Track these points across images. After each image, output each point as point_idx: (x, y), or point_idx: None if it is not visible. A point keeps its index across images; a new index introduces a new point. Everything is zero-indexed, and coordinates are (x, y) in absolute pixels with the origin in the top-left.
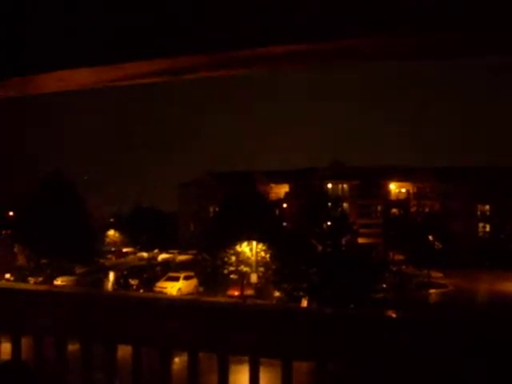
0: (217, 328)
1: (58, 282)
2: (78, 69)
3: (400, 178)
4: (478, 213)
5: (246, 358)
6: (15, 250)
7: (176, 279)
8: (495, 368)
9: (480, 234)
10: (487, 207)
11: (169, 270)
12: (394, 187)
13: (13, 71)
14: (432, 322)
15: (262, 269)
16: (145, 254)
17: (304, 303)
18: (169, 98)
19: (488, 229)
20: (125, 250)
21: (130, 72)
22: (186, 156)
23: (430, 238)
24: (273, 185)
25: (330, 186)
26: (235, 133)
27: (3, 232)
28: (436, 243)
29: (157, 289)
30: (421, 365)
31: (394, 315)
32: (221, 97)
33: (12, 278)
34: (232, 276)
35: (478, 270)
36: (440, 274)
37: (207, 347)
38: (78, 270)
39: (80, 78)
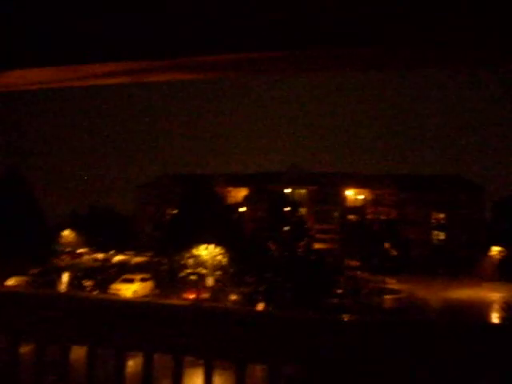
0: (171, 330)
1: (11, 282)
2: (39, 68)
3: (357, 184)
4: (433, 221)
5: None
6: None
7: (131, 281)
8: (440, 366)
9: (434, 242)
10: (442, 215)
11: (124, 272)
12: (351, 194)
13: None
14: (381, 324)
15: (218, 272)
16: (100, 255)
17: (260, 307)
18: (128, 99)
19: (442, 236)
20: (80, 250)
21: (93, 72)
22: (144, 158)
23: (386, 244)
24: (231, 188)
25: (288, 190)
26: (194, 136)
27: None
28: (391, 250)
29: (111, 291)
30: (371, 365)
31: (345, 318)
32: (180, 99)
33: None
34: (188, 279)
35: (432, 276)
36: (394, 281)
37: (162, 349)
38: (32, 271)
39: (42, 77)
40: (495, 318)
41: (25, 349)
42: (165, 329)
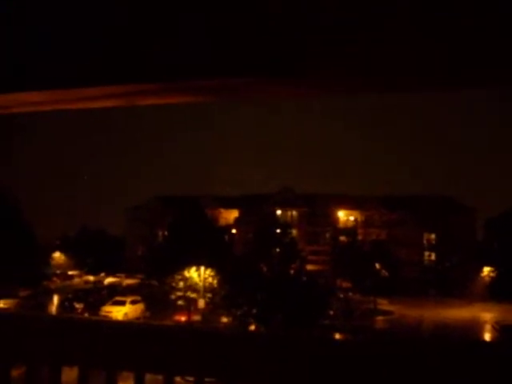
0: (162, 349)
1: (0, 304)
2: (34, 91)
3: (348, 206)
4: (424, 241)
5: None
6: None
7: (122, 303)
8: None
9: (425, 263)
10: (433, 236)
11: (115, 294)
12: (342, 215)
13: None
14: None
15: (209, 294)
16: (91, 278)
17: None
18: (117, 123)
19: (433, 257)
20: (70, 272)
21: (88, 95)
22: (136, 180)
23: (377, 265)
24: (222, 210)
25: (279, 212)
26: (185, 158)
27: None
28: (382, 271)
29: (102, 313)
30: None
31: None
32: (171, 123)
33: None
34: (179, 302)
35: (423, 297)
36: (385, 301)
37: (152, 368)
38: (22, 293)
39: (35, 100)
40: (487, 338)
41: (13, 373)
42: (155, 348)
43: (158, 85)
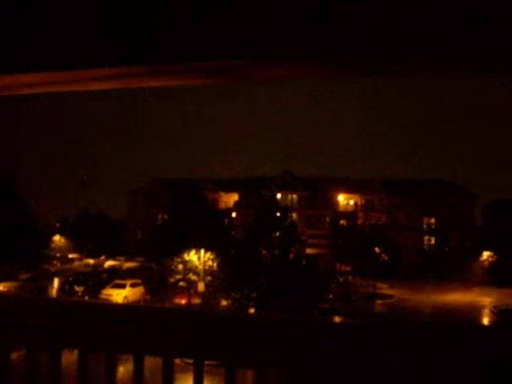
0: (161, 332)
1: (0, 287)
2: (35, 72)
3: (349, 189)
4: (424, 226)
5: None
6: None
7: (122, 286)
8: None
9: (425, 247)
10: (433, 220)
11: (115, 277)
12: (342, 199)
13: None
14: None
15: (209, 278)
16: (91, 261)
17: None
18: (118, 104)
19: (433, 241)
20: (71, 255)
21: (87, 77)
22: (136, 163)
23: (377, 249)
24: (222, 193)
25: (279, 195)
26: (185, 140)
27: None
28: (382, 255)
29: (102, 296)
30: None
31: (335, 320)
32: (171, 104)
33: None
34: (180, 284)
35: (423, 281)
36: (385, 285)
37: (151, 351)
38: (22, 276)
39: (37, 81)
40: (485, 322)
41: (13, 355)
42: (155, 331)
43: (157, 67)
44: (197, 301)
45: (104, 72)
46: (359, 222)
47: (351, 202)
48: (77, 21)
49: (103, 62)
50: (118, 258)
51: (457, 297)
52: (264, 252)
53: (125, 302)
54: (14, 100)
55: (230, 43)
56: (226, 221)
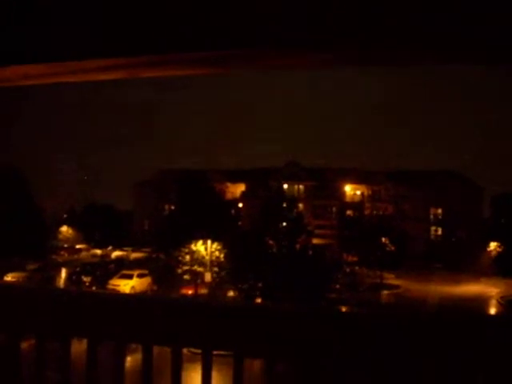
0: (169, 322)
1: (8, 278)
2: (35, 64)
3: (355, 180)
4: (431, 216)
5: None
6: None
7: (129, 277)
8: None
9: (432, 237)
10: (439, 211)
11: (122, 268)
12: (349, 189)
13: None
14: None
15: (216, 268)
16: (98, 251)
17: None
18: (123, 96)
19: (440, 232)
20: (78, 246)
21: (89, 67)
22: (143, 154)
23: (383, 239)
24: (229, 184)
25: (286, 186)
26: (192, 131)
27: None
28: (389, 245)
29: (110, 286)
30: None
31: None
32: (177, 95)
33: None
34: (186, 274)
35: (430, 271)
36: (392, 276)
37: (160, 341)
38: (30, 266)
39: (37, 72)
40: (492, 312)
41: (23, 345)
42: (163, 321)
43: (161, 56)
44: (204, 291)
45: (104, 63)
46: (366, 212)
47: (358, 193)
48: (75, 12)
49: (102, 53)
50: (125, 248)
51: (464, 287)
52: (271, 242)
53: (132, 292)
54: (17, 92)
55: (229, 35)
56: (233, 211)
